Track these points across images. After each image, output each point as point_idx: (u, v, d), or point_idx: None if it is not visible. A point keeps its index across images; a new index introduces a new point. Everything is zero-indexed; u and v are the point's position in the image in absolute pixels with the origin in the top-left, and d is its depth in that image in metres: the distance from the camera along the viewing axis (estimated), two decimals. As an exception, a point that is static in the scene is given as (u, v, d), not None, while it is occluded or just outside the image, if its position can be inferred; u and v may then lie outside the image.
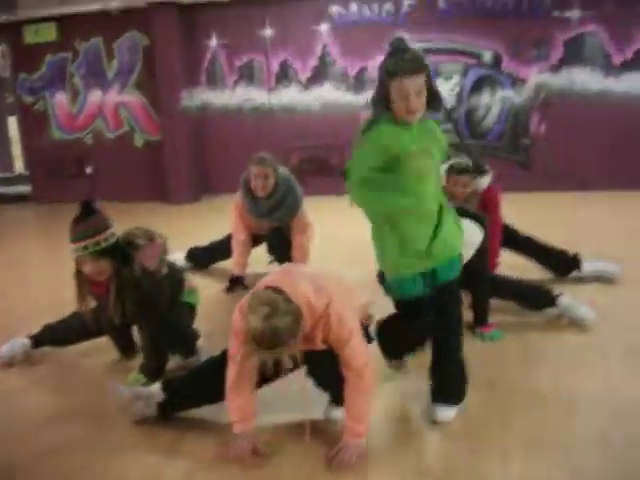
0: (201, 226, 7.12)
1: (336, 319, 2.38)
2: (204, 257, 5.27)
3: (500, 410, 2.79)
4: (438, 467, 2.43)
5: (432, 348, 2.78)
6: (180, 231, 6.73)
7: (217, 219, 5.99)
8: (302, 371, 2.63)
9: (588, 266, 4.44)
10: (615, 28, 8.11)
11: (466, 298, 3.46)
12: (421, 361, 3.00)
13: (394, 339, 2.98)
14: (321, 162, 9.08)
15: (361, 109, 8.46)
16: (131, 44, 9.62)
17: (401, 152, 2.50)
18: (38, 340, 3.58)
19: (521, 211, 5.24)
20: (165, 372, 3.21)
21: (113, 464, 2.55)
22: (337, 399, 2.64)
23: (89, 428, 2.84)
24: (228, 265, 4.97)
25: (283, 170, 4.68)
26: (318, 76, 9.16)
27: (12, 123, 11.93)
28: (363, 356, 2.47)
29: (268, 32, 9.18)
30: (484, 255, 3.49)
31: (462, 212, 2.98)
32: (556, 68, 8.40)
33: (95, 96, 9.94)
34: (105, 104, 9.93)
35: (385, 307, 3.35)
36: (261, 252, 4.88)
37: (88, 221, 2.93)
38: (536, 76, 8.48)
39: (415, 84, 2.43)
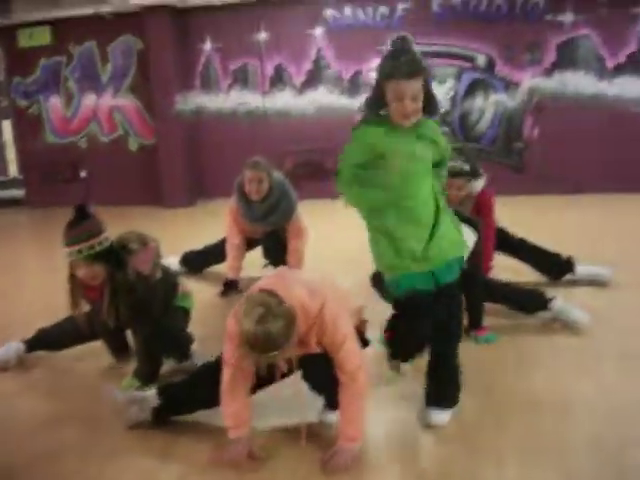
0: (196, 230, 7.11)
1: (330, 322, 2.38)
2: (198, 261, 5.26)
3: (495, 413, 2.80)
4: (433, 471, 2.43)
5: (430, 351, 2.78)
6: (175, 235, 6.73)
7: (212, 223, 5.98)
8: (297, 375, 2.63)
9: (582, 269, 4.46)
10: (608, 32, 8.15)
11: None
12: (417, 365, 3.00)
13: (398, 342, 2.97)
14: (315, 166, 9.07)
15: (356, 113, 8.47)
16: (125, 48, 9.62)
17: (386, 151, 2.52)
18: (32, 344, 3.57)
19: (515, 214, 5.24)
20: (159, 376, 3.21)
21: (107, 468, 2.54)
22: (332, 403, 2.64)
23: (83, 432, 2.83)
24: (222, 269, 4.96)
25: (277, 174, 4.68)
26: (312, 80, 9.17)
27: (6, 127, 11.93)
28: (357, 359, 2.47)
29: (262, 36, 9.19)
30: (478, 258, 3.50)
31: (455, 216, 2.99)
32: (549, 72, 8.43)
33: (89, 100, 9.94)
34: (99, 108, 9.92)
35: (379, 311, 3.36)
36: (255, 256, 4.88)
37: (82, 225, 2.93)
38: (529, 80, 8.51)
39: (411, 88, 2.42)
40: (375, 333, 3.09)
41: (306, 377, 2.67)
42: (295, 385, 2.63)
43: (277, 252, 4.70)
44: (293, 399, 2.65)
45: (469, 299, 3.63)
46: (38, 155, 10.23)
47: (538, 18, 8.33)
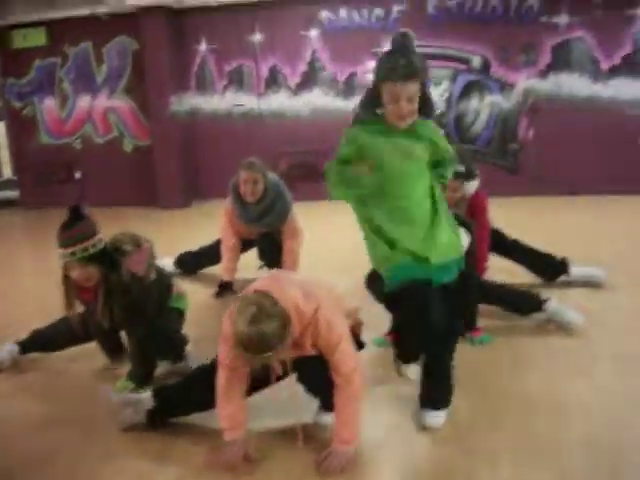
0: (191, 231, 7.11)
1: (325, 324, 2.38)
2: (193, 262, 5.26)
3: (489, 414, 2.80)
4: (428, 472, 2.43)
5: (425, 352, 2.77)
6: (170, 236, 6.73)
7: (207, 224, 5.98)
8: (292, 377, 2.63)
9: (576, 270, 4.47)
10: (603, 34, 8.16)
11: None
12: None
13: (402, 342, 2.96)
14: (310, 167, 9.06)
15: (350, 114, 8.44)
16: (120, 49, 9.60)
17: (379, 151, 2.55)
18: (26, 346, 3.56)
19: (509, 215, 5.26)
20: (154, 378, 3.20)
21: (102, 470, 2.53)
22: (327, 405, 2.64)
23: (78, 434, 2.82)
24: (217, 270, 4.96)
25: (272, 175, 4.68)
26: (307, 81, 9.17)
27: (0, 128, 11.88)
28: (352, 362, 2.47)
29: (257, 37, 9.19)
30: (472, 260, 3.50)
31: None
32: (544, 73, 8.44)
33: (84, 101, 9.91)
34: (94, 109, 9.89)
35: (374, 313, 3.37)
36: (250, 258, 4.87)
37: (76, 227, 2.92)
38: (524, 81, 8.52)
39: (407, 90, 2.43)
40: (371, 335, 3.09)
41: (301, 379, 2.67)
42: (290, 387, 2.63)
43: (272, 253, 4.70)
44: (289, 401, 2.65)
45: (464, 300, 3.63)
46: (32, 156, 10.20)
47: (533, 20, 8.34)
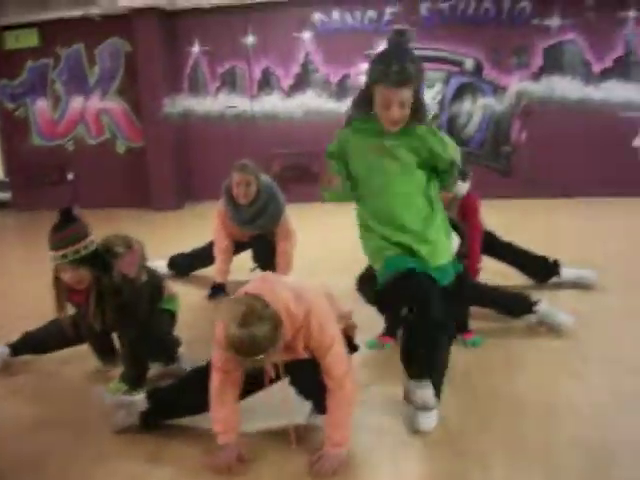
0: (184, 233, 7.09)
1: (317, 327, 2.38)
2: (186, 264, 5.25)
3: (481, 416, 2.81)
4: (419, 474, 2.43)
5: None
6: (163, 238, 6.72)
7: (200, 226, 5.97)
8: (285, 381, 2.63)
9: (567, 272, 4.48)
10: (595, 36, 8.21)
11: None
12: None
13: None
14: (303, 169, 9.08)
15: (343, 116, 8.45)
16: (113, 50, 9.59)
17: (357, 149, 2.60)
18: (17, 348, 3.54)
19: (502, 218, 5.28)
20: (146, 380, 3.20)
21: (95, 473, 2.52)
22: (319, 408, 2.64)
23: (70, 436, 2.81)
24: (210, 272, 4.95)
25: (265, 177, 4.68)
26: (300, 83, 9.18)
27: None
28: (344, 365, 2.48)
29: (250, 39, 9.19)
30: (463, 262, 3.51)
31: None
32: (536, 76, 8.48)
33: (77, 102, 9.89)
34: (87, 110, 9.88)
35: (368, 315, 3.37)
36: (243, 260, 4.87)
37: (67, 229, 2.91)
38: (517, 84, 8.56)
39: (400, 96, 2.42)
40: (363, 337, 3.10)
41: (293, 383, 2.67)
42: (283, 389, 2.63)
43: (266, 255, 4.70)
44: (281, 403, 2.65)
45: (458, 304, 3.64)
46: (25, 158, 10.17)
47: (525, 22, 8.38)
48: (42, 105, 10.03)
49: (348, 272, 3.88)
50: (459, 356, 3.34)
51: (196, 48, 9.39)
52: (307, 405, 2.76)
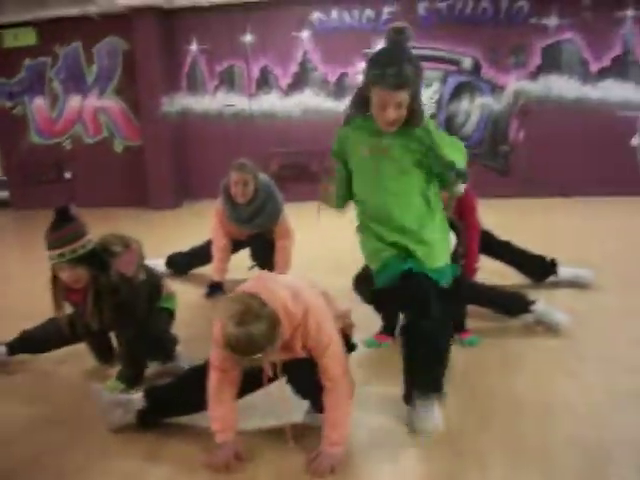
0: (182, 232, 7.09)
1: (314, 326, 2.38)
2: (184, 263, 5.25)
3: (478, 415, 2.81)
4: (417, 474, 2.44)
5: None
6: (161, 237, 6.72)
7: (198, 225, 5.97)
8: (283, 380, 2.63)
9: (564, 271, 4.49)
10: (592, 36, 8.22)
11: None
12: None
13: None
14: (301, 168, 9.08)
15: (341, 115, 8.45)
16: (111, 49, 9.58)
17: (354, 147, 2.61)
18: (14, 347, 3.53)
19: (500, 217, 5.28)
20: (144, 378, 3.20)
21: (92, 471, 2.52)
22: (317, 407, 2.64)
23: (67, 435, 2.81)
24: (208, 271, 4.96)
25: (263, 176, 4.68)
26: (299, 82, 9.18)
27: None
28: (341, 365, 2.48)
29: (249, 38, 9.19)
30: (459, 261, 3.52)
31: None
32: (534, 75, 8.49)
33: (74, 101, 9.89)
34: (84, 109, 9.88)
35: (366, 314, 3.38)
36: (241, 258, 4.87)
37: (64, 228, 2.91)
38: (515, 83, 8.56)
39: (396, 98, 2.41)
40: (361, 336, 3.10)
41: (291, 382, 2.67)
42: (280, 388, 2.63)
43: (265, 254, 4.70)
44: (278, 401, 2.65)
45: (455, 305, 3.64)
46: (22, 156, 10.15)
47: (523, 21, 8.39)
48: (40, 103, 10.02)
49: (346, 271, 3.88)
50: (456, 355, 3.34)
51: (194, 47, 9.39)
52: (304, 404, 2.76)
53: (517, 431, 2.66)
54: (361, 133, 2.62)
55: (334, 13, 8.88)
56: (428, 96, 8.69)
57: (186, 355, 3.37)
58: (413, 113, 2.48)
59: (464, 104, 8.80)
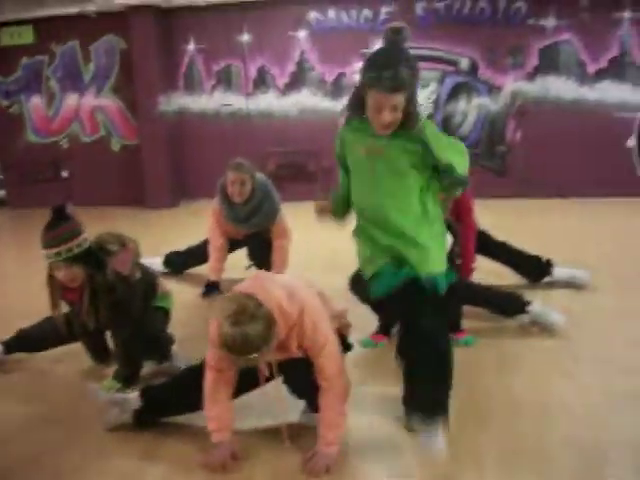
0: (179, 231, 7.08)
1: (310, 326, 2.38)
2: (180, 262, 5.25)
3: (474, 415, 2.81)
4: (413, 473, 2.43)
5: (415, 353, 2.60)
6: (158, 236, 6.71)
7: (195, 224, 5.97)
8: (279, 379, 2.63)
9: (559, 272, 4.50)
10: (590, 37, 8.22)
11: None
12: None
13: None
14: (298, 168, 9.09)
15: (338, 115, 8.49)
16: (108, 48, 9.56)
17: (352, 148, 2.60)
18: (10, 346, 3.53)
19: (497, 218, 5.29)
20: (140, 378, 3.20)
21: (88, 470, 2.52)
22: (312, 407, 2.64)
23: (63, 434, 2.81)
24: (204, 270, 4.95)
25: (260, 176, 4.68)
26: (296, 82, 9.17)
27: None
28: (337, 364, 2.48)
29: (246, 37, 9.18)
30: (455, 261, 3.52)
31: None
32: (531, 76, 8.49)
33: (71, 100, 9.86)
34: (81, 108, 9.85)
35: (361, 314, 3.38)
36: (237, 258, 4.87)
37: (60, 227, 2.91)
38: (512, 84, 8.57)
39: (391, 101, 2.37)
40: (357, 336, 3.10)
41: (286, 381, 2.67)
42: (276, 387, 2.64)
43: (261, 253, 4.70)
44: (274, 401, 2.65)
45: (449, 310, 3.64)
46: (19, 155, 10.13)
47: (520, 22, 8.39)
48: (37, 102, 10.00)
49: (342, 271, 3.88)
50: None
51: (192, 46, 9.37)
52: (300, 403, 2.76)
53: (514, 432, 2.67)
54: (360, 134, 2.59)
55: (331, 13, 8.87)
56: (425, 96, 8.69)
57: (182, 355, 3.37)
58: (409, 116, 2.44)
59: (461, 104, 8.80)
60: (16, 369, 3.54)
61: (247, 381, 2.57)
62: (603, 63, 8.27)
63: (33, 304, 3.39)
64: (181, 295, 4.21)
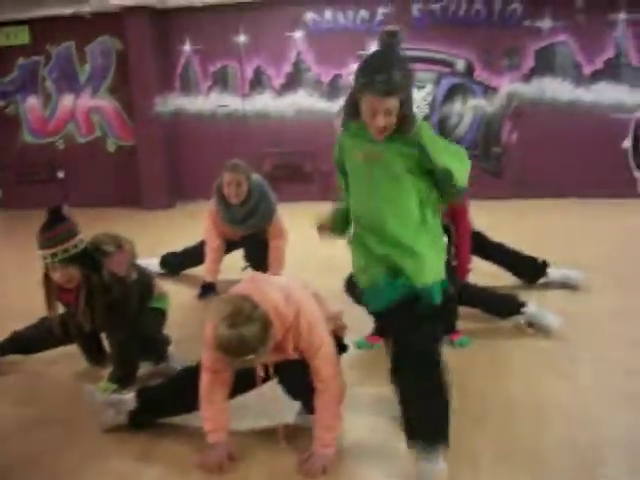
0: (175, 232, 7.07)
1: (306, 327, 2.39)
2: (177, 263, 5.25)
3: (470, 416, 2.81)
4: (409, 474, 2.43)
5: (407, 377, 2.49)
6: (154, 237, 6.70)
7: (191, 225, 5.96)
8: (275, 381, 2.63)
9: (554, 272, 4.51)
10: (585, 38, 8.23)
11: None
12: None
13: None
14: (295, 168, 9.08)
15: (335, 116, 8.49)
16: (104, 48, 9.55)
17: (350, 153, 2.57)
18: (5, 348, 3.53)
19: (492, 219, 5.29)
20: (136, 379, 3.19)
21: (85, 471, 2.53)
22: (308, 408, 2.65)
23: (59, 436, 2.81)
24: (200, 271, 4.95)
25: (256, 177, 4.68)
26: (292, 83, 9.17)
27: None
28: (333, 366, 2.49)
29: (242, 38, 9.18)
30: (451, 263, 3.52)
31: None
32: (527, 77, 8.50)
33: (67, 100, 9.85)
34: (77, 108, 9.84)
35: (357, 316, 3.37)
36: (234, 259, 4.87)
37: (56, 228, 2.91)
38: (508, 85, 8.57)
39: (385, 105, 2.33)
40: (353, 337, 3.10)
41: (282, 383, 2.67)
42: (272, 388, 2.64)
43: (258, 255, 4.70)
44: (270, 402, 2.66)
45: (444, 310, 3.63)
46: (15, 155, 10.11)
47: (516, 24, 8.40)
48: (33, 103, 9.97)
49: (338, 272, 3.88)
50: (447, 356, 3.34)
51: (188, 47, 9.36)
52: (296, 404, 2.76)
53: (509, 432, 2.67)
54: (357, 139, 2.56)
55: (328, 14, 8.87)
56: (421, 98, 8.70)
57: (178, 356, 3.37)
58: (404, 119, 2.41)
59: (457, 106, 8.80)
60: (11, 371, 3.53)
61: (243, 382, 2.58)
62: (599, 64, 8.28)
63: (29, 305, 3.39)
64: (177, 296, 4.20)
